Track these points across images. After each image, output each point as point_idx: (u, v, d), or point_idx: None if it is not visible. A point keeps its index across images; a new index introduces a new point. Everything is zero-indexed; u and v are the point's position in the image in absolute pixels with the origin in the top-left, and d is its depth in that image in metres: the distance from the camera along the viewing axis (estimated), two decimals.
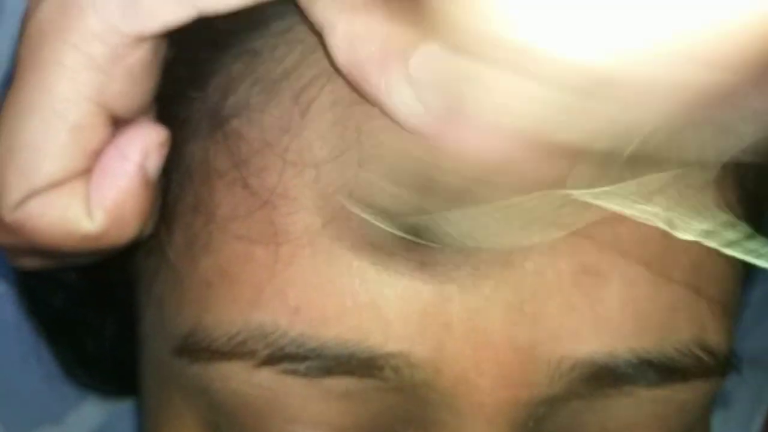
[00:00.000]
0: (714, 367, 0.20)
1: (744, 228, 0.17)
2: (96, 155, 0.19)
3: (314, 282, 0.18)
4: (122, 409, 0.33)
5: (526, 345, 0.18)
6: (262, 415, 0.19)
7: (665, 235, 0.19)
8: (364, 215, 0.17)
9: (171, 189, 0.21)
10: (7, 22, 0.29)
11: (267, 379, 0.19)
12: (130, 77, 0.19)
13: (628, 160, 0.16)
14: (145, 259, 0.23)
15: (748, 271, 0.25)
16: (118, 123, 0.20)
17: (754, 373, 0.39)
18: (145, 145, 0.19)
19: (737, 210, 0.21)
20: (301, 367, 0.18)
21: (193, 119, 0.21)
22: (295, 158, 0.19)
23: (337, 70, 0.18)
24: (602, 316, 0.18)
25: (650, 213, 0.17)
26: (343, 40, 0.17)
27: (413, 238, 0.17)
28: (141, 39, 0.18)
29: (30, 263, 0.22)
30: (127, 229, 0.20)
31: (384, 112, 0.18)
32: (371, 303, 0.18)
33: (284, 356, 0.18)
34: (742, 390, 0.39)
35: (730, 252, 0.17)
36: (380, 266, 0.18)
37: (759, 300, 0.34)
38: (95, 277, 0.27)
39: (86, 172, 0.19)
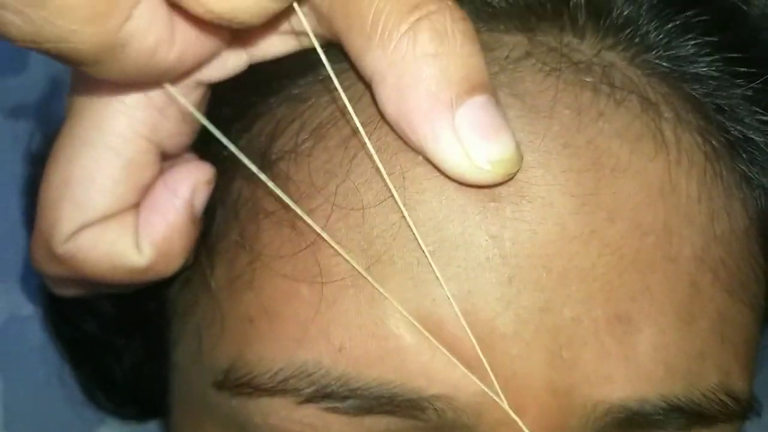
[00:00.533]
0: (738, 411, 0.20)
1: None
2: (146, 190, 0.20)
3: (358, 322, 0.19)
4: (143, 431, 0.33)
5: (563, 389, 0.18)
6: None
7: (693, 284, 0.19)
8: None
9: (215, 224, 0.22)
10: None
11: (309, 415, 0.19)
12: (182, 117, 0.19)
13: None
14: (182, 290, 0.24)
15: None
16: (166, 159, 0.20)
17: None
18: (193, 182, 0.20)
19: None
20: (343, 405, 0.18)
21: (238, 158, 0.22)
22: (342, 202, 0.19)
23: (383, 118, 0.19)
24: (634, 363, 0.19)
25: None
26: (393, 91, 0.18)
27: None
28: (200, 83, 0.19)
29: (72, 292, 0.22)
30: (173, 263, 0.20)
31: (429, 161, 0.18)
32: (416, 346, 0.18)
33: (327, 395, 0.19)
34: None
35: None
36: (425, 312, 0.18)
37: None
38: (128, 305, 0.27)
39: (136, 206, 0.20)
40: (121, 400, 0.33)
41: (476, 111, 0.17)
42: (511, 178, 0.18)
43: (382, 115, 0.19)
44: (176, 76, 0.18)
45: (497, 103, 0.18)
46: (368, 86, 0.19)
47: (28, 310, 0.32)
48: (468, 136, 0.17)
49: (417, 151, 0.18)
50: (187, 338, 0.23)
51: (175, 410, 0.25)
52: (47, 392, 0.32)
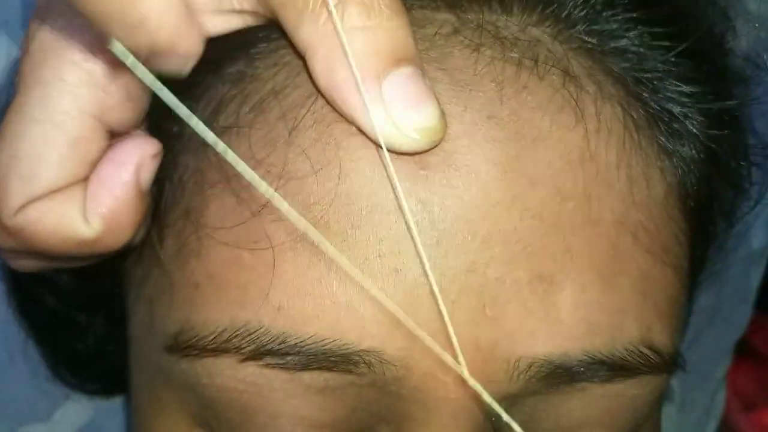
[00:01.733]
0: (661, 364, 0.21)
1: None
2: (93, 165, 0.20)
3: (296, 283, 0.20)
4: (108, 407, 0.34)
5: (487, 345, 0.20)
6: (247, 410, 0.21)
7: (613, 246, 0.20)
8: None
9: (163, 198, 0.22)
10: None
11: (251, 374, 0.20)
12: (126, 93, 0.20)
13: None
14: (135, 264, 0.24)
15: (695, 280, 0.27)
16: (113, 135, 0.21)
17: (707, 378, 0.41)
18: (139, 157, 0.21)
19: None
20: (283, 362, 0.19)
21: (185, 134, 0.22)
22: (280, 171, 0.20)
23: (318, 91, 0.20)
24: (556, 320, 0.20)
25: None
26: (324, 63, 0.19)
27: None
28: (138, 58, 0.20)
29: (28, 265, 0.23)
30: (122, 235, 0.21)
31: (360, 130, 0.19)
32: (348, 304, 0.19)
33: (267, 352, 0.20)
34: (696, 395, 0.41)
35: None
36: (356, 270, 0.19)
37: (708, 306, 0.36)
38: (86, 279, 0.28)
39: (83, 180, 0.20)
40: (86, 376, 0.33)
41: (402, 81, 0.18)
42: (437, 146, 0.19)
43: (317, 89, 0.20)
44: None
45: (423, 74, 0.19)
46: (305, 62, 0.20)
47: None
48: (395, 106, 0.18)
49: (348, 121, 0.19)
50: (141, 309, 0.24)
51: (133, 381, 0.26)
52: (11, 369, 0.32)
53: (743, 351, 0.44)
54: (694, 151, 0.22)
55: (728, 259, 0.31)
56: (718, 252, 0.28)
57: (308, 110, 0.20)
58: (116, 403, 0.34)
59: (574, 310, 0.20)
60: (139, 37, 0.17)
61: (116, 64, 0.19)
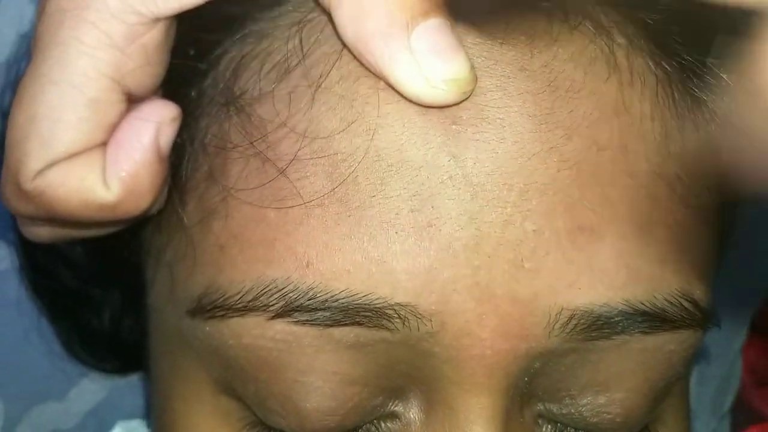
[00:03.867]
0: (699, 318, 0.21)
1: None
2: (112, 129, 0.20)
3: (324, 239, 0.19)
4: (123, 385, 0.34)
5: (526, 298, 0.19)
6: (276, 368, 0.20)
7: (651, 196, 0.20)
8: None
9: (184, 163, 0.22)
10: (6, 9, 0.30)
11: (280, 331, 0.20)
12: (144, 55, 0.20)
13: None
14: (155, 233, 0.24)
15: (724, 241, 0.26)
16: (132, 100, 0.21)
17: (725, 350, 0.41)
18: (158, 119, 0.20)
19: None
20: (312, 318, 0.19)
21: (205, 97, 0.22)
22: (306, 130, 0.20)
23: (344, 46, 0.19)
24: (597, 269, 0.19)
25: None
26: (350, 15, 0.18)
27: None
28: (157, 19, 0.19)
29: (44, 234, 0.23)
30: (142, 200, 0.20)
31: (388, 83, 0.19)
32: (379, 259, 0.19)
33: (296, 308, 0.19)
34: (714, 369, 0.41)
35: None
36: (387, 225, 0.19)
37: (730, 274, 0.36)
38: (102, 253, 0.28)
39: (103, 144, 0.20)
40: (101, 354, 0.33)
41: (431, 32, 0.18)
42: (467, 98, 0.19)
43: (342, 42, 0.19)
44: None
45: (451, 25, 0.18)
46: (330, 17, 0.19)
47: (4, 264, 0.32)
48: (423, 56, 0.18)
49: (375, 73, 0.19)
50: (161, 277, 0.24)
51: (152, 353, 0.25)
52: (26, 347, 0.32)
53: (755, 327, 0.44)
54: (728, 104, 0.22)
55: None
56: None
57: (333, 66, 0.20)
58: (132, 381, 0.34)
59: (615, 259, 0.19)
60: None
61: (135, 26, 0.19)
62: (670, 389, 0.23)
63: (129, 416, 0.34)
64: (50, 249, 0.29)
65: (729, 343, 0.41)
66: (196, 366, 0.22)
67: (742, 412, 0.45)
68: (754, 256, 0.38)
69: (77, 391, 0.33)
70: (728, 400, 0.43)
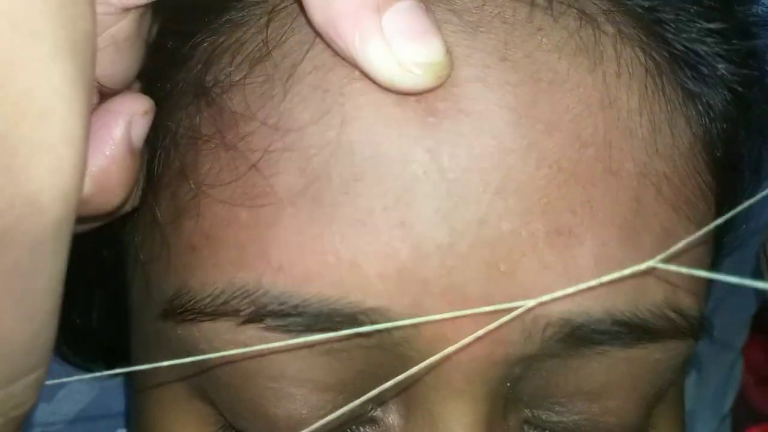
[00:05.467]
0: (686, 328, 0.20)
1: None
2: None
3: (296, 241, 0.18)
4: (111, 386, 0.33)
5: (501, 302, 0.18)
6: (248, 375, 0.20)
7: (635, 198, 0.19)
8: None
9: (157, 158, 0.21)
10: None
11: (251, 337, 0.19)
12: (114, 48, 0.19)
13: None
14: (131, 231, 0.23)
15: (721, 241, 0.25)
16: (104, 94, 0.20)
17: (726, 349, 0.40)
18: (129, 113, 0.20)
19: None
20: (285, 323, 0.18)
21: (177, 90, 0.21)
22: (277, 123, 0.19)
23: (315, 32, 0.18)
24: (575, 275, 0.18)
25: None
26: None
27: None
28: (124, 9, 0.19)
29: None
30: (113, 197, 0.20)
31: (359, 69, 0.18)
32: (351, 260, 0.18)
33: (267, 313, 0.19)
34: (715, 367, 0.40)
35: None
36: (359, 223, 0.18)
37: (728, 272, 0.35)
38: (84, 252, 0.27)
39: None
40: (88, 354, 0.32)
41: (403, 14, 0.17)
42: (442, 83, 0.18)
43: (315, 32, 0.18)
44: None
45: (425, 7, 0.18)
46: (300, 2, 0.18)
47: None
48: (396, 39, 0.17)
49: (345, 58, 0.18)
50: (137, 278, 0.23)
51: (133, 354, 0.25)
52: None
53: (756, 327, 0.43)
54: (721, 96, 0.21)
55: (752, 225, 0.30)
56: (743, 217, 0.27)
57: (306, 56, 0.19)
58: (120, 381, 0.33)
59: (594, 266, 0.19)
60: None
61: (104, 17, 0.18)
62: (662, 396, 0.22)
63: (119, 418, 0.34)
64: None
65: (730, 342, 0.40)
66: (172, 369, 0.22)
67: (743, 412, 0.44)
68: (755, 254, 0.37)
69: (65, 393, 0.33)
70: (729, 401, 0.42)
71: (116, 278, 0.26)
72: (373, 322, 0.18)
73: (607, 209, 0.19)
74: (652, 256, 0.19)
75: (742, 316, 0.40)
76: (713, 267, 0.25)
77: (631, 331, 0.19)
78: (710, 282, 0.24)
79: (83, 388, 0.33)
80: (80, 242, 0.23)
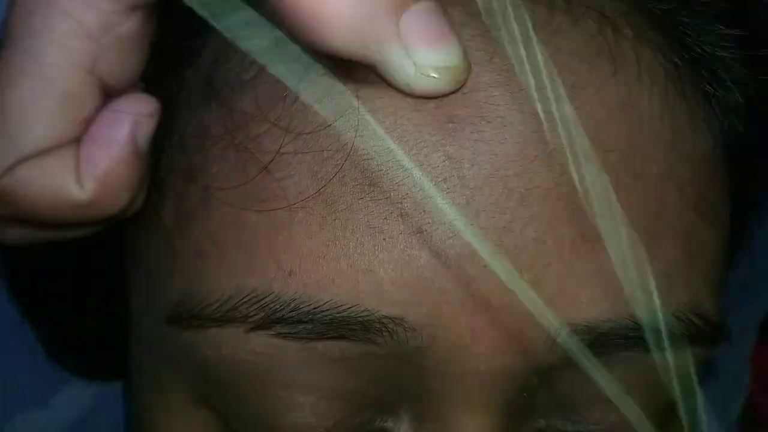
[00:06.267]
0: (709, 333, 0.20)
1: None
2: (86, 124, 0.19)
3: (308, 246, 0.18)
4: (109, 391, 0.33)
5: (524, 311, 0.18)
6: (256, 382, 0.19)
7: (659, 202, 0.19)
8: None
9: (163, 160, 0.21)
10: None
11: (260, 344, 0.18)
12: (121, 47, 0.18)
13: None
14: (134, 235, 0.23)
15: (734, 246, 0.25)
16: (110, 94, 0.19)
17: (734, 356, 0.40)
18: (135, 114, 0.19)
19: None
20: (295, 330, 0.18)
21: (185, 91, 0.21)
22: (289, 124, 0.18)
23: None
24: (602, 282, 0.18)
25: None
26: None
27: None
28: (132, 8, 0.18)
29: (16, 235, 0.22)
30: (117, 199, 0.19)
31: (375, 72, 0.18)
32: (366, 267, 0.18)
33: (277, 320, 0.18)
34: (722, 374, 0.40)
35: None
36: (376, 230, 0.18)
37: (741, 279, 0.35)
38: (82, 257, 0.27)
39: (76, 140, 0.19)
40: (85, 359, 0.32)
41: (421, 17, 0.17)
42: (460, 87, 0.18)
43: None
44: None
45: (443, 10, 0.17)
46: None
47: None
48: (413, 42, 0.17)
49: (362, 60, 0.18)
50: (140, 283, 0.23)
51: (133, 361, 0.24)
52: (5, 352, 0.31)
53: (763, 333, 0.43)
54: (739, 100, 0.21)
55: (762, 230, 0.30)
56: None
57: (319, 57, 0.18)
58: (117, 386, 0.33)
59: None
60: None
61: (110, 15, 0.18)
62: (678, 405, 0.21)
63: (117, 424, 0.33)
64: (28, 252, 0.28)
65: (737, 350, 0.40)
66: (176, 378, 0.21)
67: (751, 421, 0.44)
68: (763, 261, 0.37)
69: (61, 398, 0.33)
70: (736, 409, 0.42)
71: (115, 283, 0.25)
72: (388, 331, 0.18)
73: (632, 213, 0.18)
74: (676, 260, 0.19)
75: (751, 323, 0.40)
76: (728, 268, 0.24)
77: (655, 336, 0.19)
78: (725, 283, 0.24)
79: (79, 393, 0.33)
80: (79, 244, 0.23)
